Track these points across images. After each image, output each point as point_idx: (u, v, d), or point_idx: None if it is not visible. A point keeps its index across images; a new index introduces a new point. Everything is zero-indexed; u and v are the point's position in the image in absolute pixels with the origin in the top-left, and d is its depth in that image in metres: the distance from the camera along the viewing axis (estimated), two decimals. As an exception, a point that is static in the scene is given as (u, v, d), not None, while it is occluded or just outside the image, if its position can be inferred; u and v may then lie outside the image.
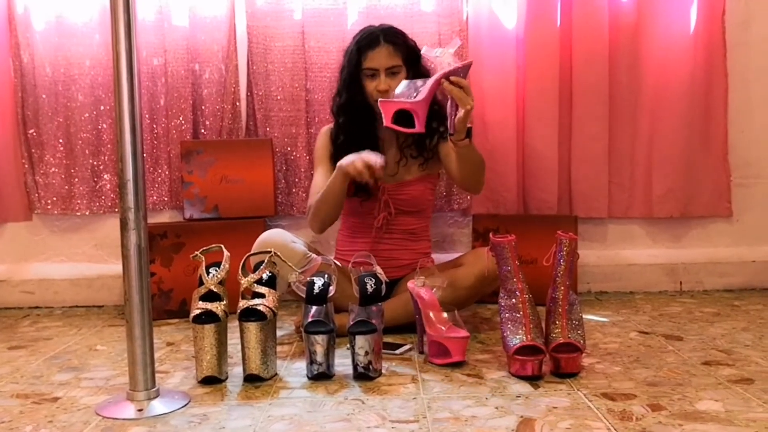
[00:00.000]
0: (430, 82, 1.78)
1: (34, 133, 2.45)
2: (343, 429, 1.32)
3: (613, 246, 2.54)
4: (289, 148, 2.46)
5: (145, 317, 1.44)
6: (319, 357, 1.58)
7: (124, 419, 1.39)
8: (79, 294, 2.50)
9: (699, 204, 2.49)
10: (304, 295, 1.64)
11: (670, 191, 2.46)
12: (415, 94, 1.79)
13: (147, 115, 2.42)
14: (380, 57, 2.02)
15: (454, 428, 1.30)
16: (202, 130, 2.45)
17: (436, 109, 1.99)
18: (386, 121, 1.81)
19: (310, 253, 1.92)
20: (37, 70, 2.42)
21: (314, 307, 1.61)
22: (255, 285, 1.61)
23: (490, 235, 1.72)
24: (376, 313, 1.63)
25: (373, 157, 1.87)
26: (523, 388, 1.51)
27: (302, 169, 2.45)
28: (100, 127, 2.44)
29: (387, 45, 2.02)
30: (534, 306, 1.61)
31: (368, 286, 1.64)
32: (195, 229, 2.30)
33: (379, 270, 1.76)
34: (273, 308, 1.59)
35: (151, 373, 1.46)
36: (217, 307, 1.58)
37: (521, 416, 1.35)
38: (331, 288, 1.65)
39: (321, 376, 1.59)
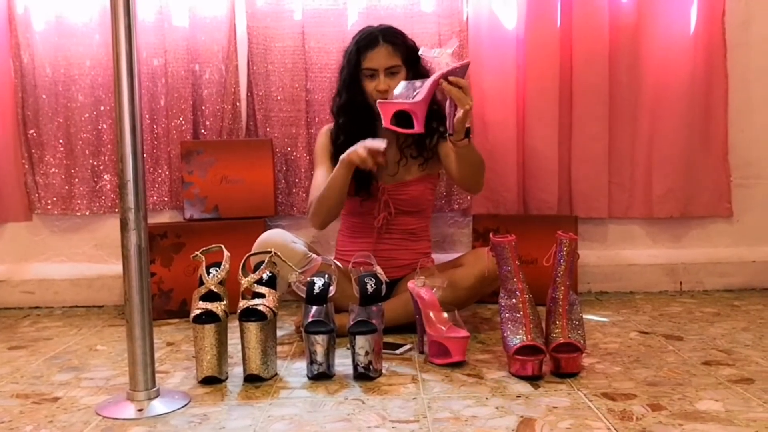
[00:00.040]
0: (429, 82, 1.78)
1: (35, 134, 2.45)
2: (343, 429, 1.32)
3: (613, 246, 2.54)
4: (289, 149, 2.46)
5: (145, 317, 1.44)
6: (320, 357, 1.58)
7: (124, 419, 1.39)
8: (80, 294, 2.50)
9: (699, 204, 2.49)
10: (304, 295, 1.64)
11: (670, 191, 2.46)
12: (413, 95, 1.79)
13: (147, 116, 2.42)
14: (379, 57, 2.02)
15: (455, 428, 1.30)
16: (203, 131, 2.45)
17: (435, 109, 1.99)
18: (385, 122, 1.81)
19: (311, 253, 1.92)
20: (37, 70, 2.42)
21: (314, 307, 1.61)
22: (255, 285, 1.61)
23: (491, 235, 1.72)
24: (377, 313, 1.63)
25: (375, 143, 1.88)
26: (524, 388, 1.51)
27: (302, 170, 2.45)
28: (100, 127, 2.44)
29: (386, 45, 2.02)
30: (534, 306, 1.61)
31: (368, 286, 1.64)
32: (195, 230, 2.30)
33: (379, 270, 1.76)
34: (273, 308, 1.59)
35: (152, 373, 1.46)
36: (217, 307, 1.58)
37: (521, 416, 1.35)
38: (331, 288, 1.65)
39: (321, 376, 1.59)
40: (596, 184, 2.45)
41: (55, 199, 2.47)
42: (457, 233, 2.53)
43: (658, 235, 2.54)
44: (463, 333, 1.70)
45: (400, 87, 1.83)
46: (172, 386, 1.58)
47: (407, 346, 1.83)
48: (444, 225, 2.53)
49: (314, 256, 1.88)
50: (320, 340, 1.57)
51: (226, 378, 1.61)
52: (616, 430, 1.28)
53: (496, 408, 1.40)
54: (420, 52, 1.87)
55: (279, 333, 1.86)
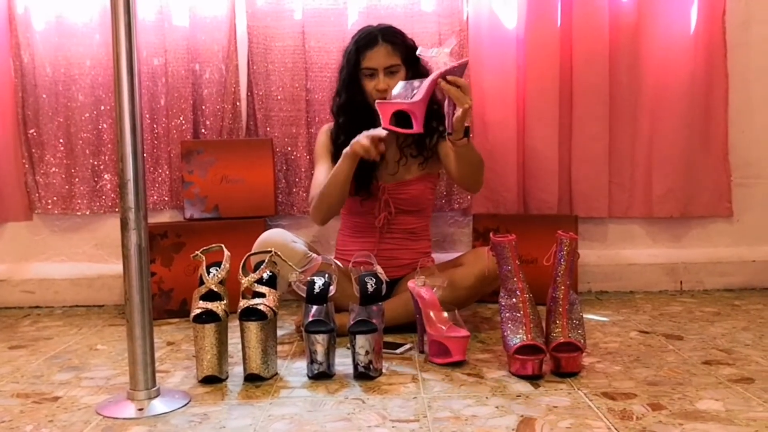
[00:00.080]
0: (427, 82, 1.77)
1: (35, 133, 2.45)
2: (343, 428, 1.32)
3: (613, 246, 2.54)
4: (289, 148, 2.46)
5: (145, 317, 1.44)
6: (320, 356, 1.58)
7: (124, 419, 1.39)
8: (80, 294, 2.50)
9: (699, 204, 2.49)
10: (304, 295, 1.64)
11: (670, 191, 2.46)
12: (412, 95, 1.79)
13: (147, 115, 2.42)
14: (379, 56, 2.02)
15: (455, 427, 1.30)
16: (203, 130, 2.45)
17: (435, 108, 1.99)
18: (384, 122, 1.81)
19: (311, 253, 1.93)
20: (37, 70, 2.42)
21: (315, 307, 1.61)
22: (255, 284, 1.61)
23: (491, 234, 1.72)
24: (377, 313, 1.63)
25: (375, 130, 1.88)
26: (524, 387, 1.51)
27: (302, 169, 2.45)
28: (100, 127, 2.44)
29: (385, 44, 2.02)
30: (534, 305, 1.61)
31: (369, 286, 1.64)
32: (195, 229, 2.30)
33: (379, 269, 1.76)
34: (273, 308, 1.59)
35: (152, 373, 1.46)
36: (217, 307, 1.58)
37: (522, 415, 1.35)
38: (331, 287, 1.65)
39: (321, 375, 1.59)
40: (596, 183, 2.45)
41: (55, 198, 2.47)
42: (457, 233, 2.53)
43: (659, 234, 2.54)
44: (464, 332, 1.70)
45: (399, 87, 1.83)
46: (173, 386, 1.58)
47: (407, 346, 1.83)
48: (444, 224, 2.53)
49: (314, 255, 1.88)
50: (320, 340, 1.57)
51: (227, 377, 1.61)
52: (616, 429, 1.28)
53: (497, 407, 1.40)
54: (418, 52, 1.87)
55: (279, 332, 1.86)
